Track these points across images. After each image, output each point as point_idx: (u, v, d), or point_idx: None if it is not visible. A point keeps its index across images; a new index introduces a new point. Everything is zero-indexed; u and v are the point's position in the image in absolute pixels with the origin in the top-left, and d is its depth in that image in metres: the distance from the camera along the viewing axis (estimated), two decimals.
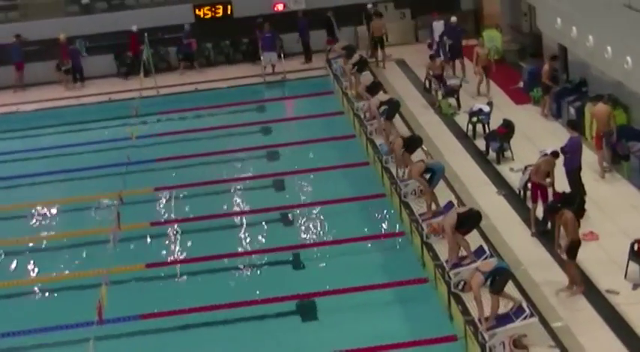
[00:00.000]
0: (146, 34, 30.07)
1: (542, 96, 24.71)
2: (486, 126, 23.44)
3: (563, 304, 15.83)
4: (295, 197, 22.38)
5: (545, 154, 18.61)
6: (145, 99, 29.04)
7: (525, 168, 19.89)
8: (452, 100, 25.76)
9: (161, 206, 22.49)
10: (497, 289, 14.86)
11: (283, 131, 26.84)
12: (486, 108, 23.68)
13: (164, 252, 20.21)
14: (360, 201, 21.35)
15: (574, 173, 19.05)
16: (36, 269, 20.15)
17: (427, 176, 19.03)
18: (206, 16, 32.77)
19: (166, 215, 21.97)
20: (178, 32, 31.96)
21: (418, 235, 18.34)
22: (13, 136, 29.08)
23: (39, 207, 23.09)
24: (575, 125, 19.90)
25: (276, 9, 32.91)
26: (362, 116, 24.71)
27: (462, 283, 15.62)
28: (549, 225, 17.63)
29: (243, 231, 20.88)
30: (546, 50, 26.52)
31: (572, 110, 22.81)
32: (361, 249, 19.22)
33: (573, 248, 15.88)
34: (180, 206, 22.45)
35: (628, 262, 16.34)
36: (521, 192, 19.88)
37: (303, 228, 20.76)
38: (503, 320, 14.71)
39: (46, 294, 19.05)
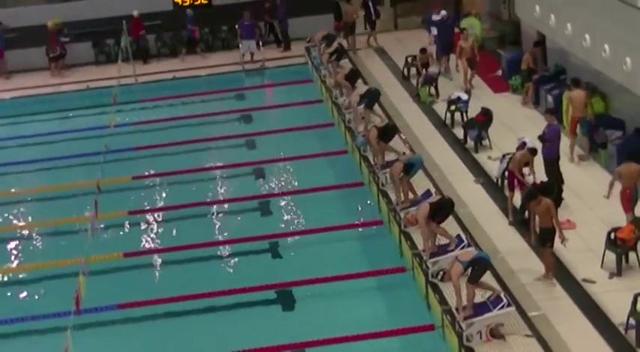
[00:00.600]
0: (124, 22, 29.95)
1: (521, 84, 24.71)
2: (464, 114, 23.44)
3: (539, 293, 15.89)
4: (274, 185, 22.38)
5: (524, 143, 18.65)
6: (123, 87, 28.93)
7: (503, 156, 19.92)
8: (431, 89, 25.74)
9: (140, 195, 22.41)
10: (473, 279, 14.90)
11: (262, 119, 26.75)
12: (465, 97, 23.66)
13: (142, 241, 20.15)
14: (338, 190, 21.37)
15: (552, 161, 19.10)
16: (12, 259, 20.08)
17: (408, 171, 18.84)
18: (184, 4, 32.59)
19: (145, 204, 21.88)
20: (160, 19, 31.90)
21: (396, 224, 18.36)
22: None
23: (15, 196, 22.98)
24: (554, 113, 19.92)
25: None
26: (343, 108, 24.59)
27: (441, 272, 15.65)
28: (527, 213, 17.67)
29: (222, 219, 20.86)
30: (525, 38, 26.54)
31: (550, 98, 22.84)
32: (340, 237, 19.21)
33: (549, 235, 15.94)
34: (158, 195, 22.40)
35: (604, 251, 16.42)
36: (499, 181, 19.92)
37: (282, 216, 20.74)
38: (480, 309, 14.78)
39: (23, 284, 18.96)
